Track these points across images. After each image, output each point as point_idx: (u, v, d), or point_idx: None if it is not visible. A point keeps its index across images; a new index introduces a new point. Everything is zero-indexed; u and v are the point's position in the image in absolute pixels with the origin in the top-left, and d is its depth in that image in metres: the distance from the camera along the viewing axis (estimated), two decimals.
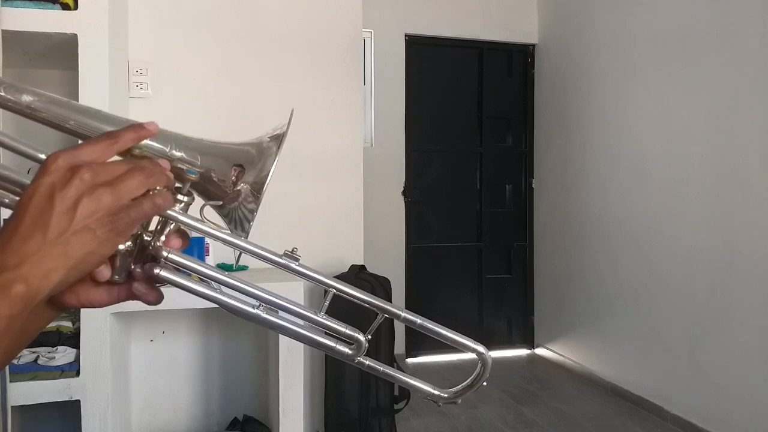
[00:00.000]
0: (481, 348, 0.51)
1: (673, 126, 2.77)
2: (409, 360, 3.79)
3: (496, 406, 2.95)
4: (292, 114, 0.50)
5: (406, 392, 2.34)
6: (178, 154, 0.46)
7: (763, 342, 2.28)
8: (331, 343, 0.48)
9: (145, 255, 0.45)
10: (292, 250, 0.47)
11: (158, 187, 0.43)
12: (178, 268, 0.44)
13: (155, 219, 0.44)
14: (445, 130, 3.98)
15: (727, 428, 2.43)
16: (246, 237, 0.46)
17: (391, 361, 2.34)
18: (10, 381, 1.68)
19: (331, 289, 0.48)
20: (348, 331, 0.49)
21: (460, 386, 0.52)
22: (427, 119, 3.90)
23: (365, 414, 2.29)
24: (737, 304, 2.40)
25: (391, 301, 2.54)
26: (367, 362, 0.50)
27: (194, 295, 0.45)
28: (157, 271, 0.44)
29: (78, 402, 1.81)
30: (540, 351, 3.98)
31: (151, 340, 2.25)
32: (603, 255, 3.29)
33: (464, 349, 0.52)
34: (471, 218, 4.03)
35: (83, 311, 1.79)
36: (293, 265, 0.47)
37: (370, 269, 2.48)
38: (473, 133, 4.03)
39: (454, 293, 3.99)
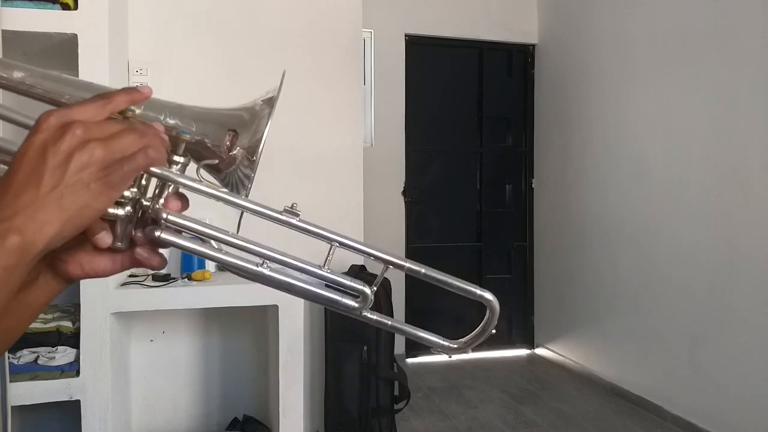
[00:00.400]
0: (488, 294, 0.51)
1: (673, 126, 2.77)
2: (409, 360, 3.79)
3: (496, 406, 2.95)
4: (283, 76, 0.50)
5: (406, 392, 2.34)
6: (171, 121, 0.46)
7: (763, 342, 2.28)
8: (337, 297, 0.48)
9: (145, 219, 0.44)
10: (292, 205, 0.47)
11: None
12: (179, 230, 0.44)
13: (153, 182, 0.44)
14: (445, 130, 3.98)
15: (727, 428, 2.43)
16: (247, 195, 0.46)
17: (391, 361, 2.34)
18: (10, 381, 1.68)
19: (334, 243, 0.48)
20: (353, 284, 0.48)
21: (469, 336, 0.51)
22: (427, 119, 3.90)
23: (365, 414, 2.29)
24: (737, 304, 2.40)
25: (391, 302, 2.53)
26: (374, 317, 0.50)
27: (198, 256, 0.45)
28: (158, 233, 0.44)
29: (78, 402, 1.81)
30: (540, 351, 3.98)
31: (151, 340, 2.25)
32: (603, 255, 3.29)
33: (471, 296, 0.51)
34: (471, 218, 4.03)
35: (83, 311, 1.79)
36: (294, 221, 0.46)
37: (370, 269, 2.48)
38: (473, 133, 4.03)
39: (454, 293, 3.96)
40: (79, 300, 1.79)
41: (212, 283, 1.96)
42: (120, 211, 0.43)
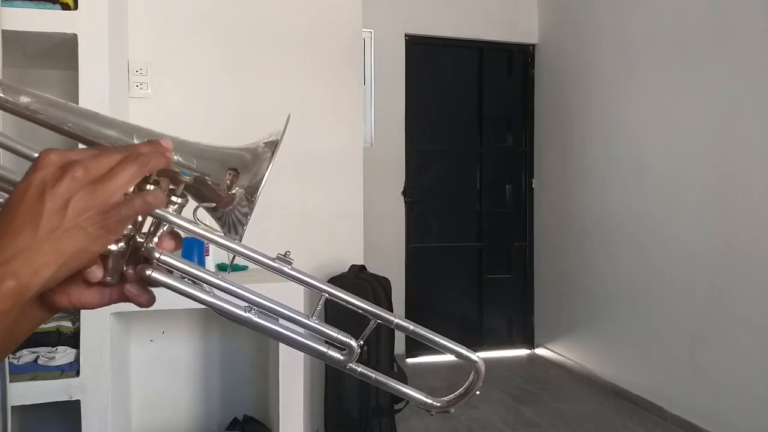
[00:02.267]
0: (474, 356, 0.51)
1: (673, 126, 2.77)
2: (409, 360, 3.79)
3: (496, 406, 2.95)
4: (288, 120, 0.50)
5: None
6: (174, 157, 0.45)
7: (763, 342, 2.28)
8: (323, 349, 0.48)
9: (138, 256, 0.44)
10: (285, 253, 0.46)
11: (150, 187, 0.43)
12: (171, 270, 0.44)
13: (149, 220, 0.44)
14: (445, 130, 3.98)
15: (727, 428, 2.43)
16: (239, 240, 0.46)
17: (391, 361, 2.34)
18: (10, 381, 1.68)
19: (323, 293, 0.48)
20: (340, 337, 0.48)
21: (453, 395, 0.51)
22: (427, 119, 3.90)
23: (365, 414, 2.29)
24: (737, 304, 2.40)
25: (391, 301, 2.53)
26: (359, 369, 0.50)
27: (186, 297, 0.45)
28: (149, 272, 0.43)
29: (78, 402, 1.80)
30: (540, 351, 3.98)
31: (151, 340, 2.25)
32: (603, 255, 3.29)
33: (457, 356, 0.51)
34: (471, 218, 4.03)
35: (83, 311, 1.79)
36: (286, 269, 0.46)
37: (370, 269, 2.48)
38: (473, 133, 4.03)
39: (454, 293, 3.99)
40: None
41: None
42: (113, 247, 0.43)
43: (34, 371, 1.79)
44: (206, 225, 0.45)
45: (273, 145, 0.48)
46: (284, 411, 1.95)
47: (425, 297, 3.89)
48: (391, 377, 0.51)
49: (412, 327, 0.50)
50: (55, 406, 1.86)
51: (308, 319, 0.48)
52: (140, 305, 0.45)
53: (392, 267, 3.65)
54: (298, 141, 2.42)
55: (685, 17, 2.70)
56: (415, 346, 3.84)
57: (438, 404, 0.51)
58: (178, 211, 0.45)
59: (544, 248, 3.97)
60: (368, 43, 3.71)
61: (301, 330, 0.48)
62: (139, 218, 0.44)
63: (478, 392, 0.49)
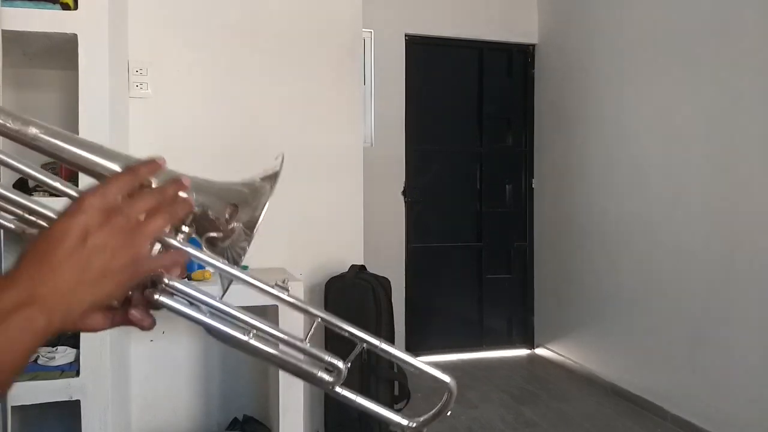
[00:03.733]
0: (447, 378, 0.53)
1: (673, 126, 2.77)
2: None
3: (496, 406, 2.95)
4: (283, 159, 0.53)
5: (406, 392, 2.34)
6: (180, 194, 0.48)
7: (763, 342, 2.28)
8: (314, 371, 0.50)
9: (144, 281, 0.46)
10: (283, 281, 0.50)
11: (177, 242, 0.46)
12: (174, 294, 0.46)
13: (156, 246, 0.46)
14: (445, 130, 3.98)
15: (728, 428, 2.43)
16: (239, 264, 0.49)
17: (391, 362, 2.34)
18: None
19: (317, 318, 0.51)
20: (329, 359, 0.51)
21: (426, 416, 0.53)
22: (427, 119, 3.90)
23: (365, 414, 2.29)
24: (737, 304, 2.40)
25: (391, 302, 2.52)
26: (344, 392, 0.52)
27: (190, 320, 0.47)
28: (156, 296, 0.45)
29: (78, 402, 1.80)
30: (540, 351, 3.98)
31: (151, 340, 2.24)
32: (603, 255, 3.29)
33: (432, 379, 0.53)
34: (471, 218, 4.03)
35: None
36: (283, 296, 0.49)
37: (370, 269, 2.48)
38: (473, 133, 4.02)
39: (454, 293, 3.98)
40: None
41: (212, 283, 1.96)
42: None
43: (34, 371, 1.79)
44: (211, 253, 0.48)
45: (271, 180, 0.51)
46: (284, 411, 1.95)
47: (425, 297, 3.89)
48: (373, 401, 0.52)
49: (394, 351, 0.53)
50: (55, 406, 1.86)
51: (302, 343, 0.50)
52: (143, 329, 0.47)
53: (392, 267, 3.65)
54: (299, 141, 2.42)
55: (685, 17, 2.69)
56: (415, 346, 3.84)
57: (413, 425, 0.53)
58: (186, 240, 0.47)
59: (544, 248, 3.97)
60: (368, 43, 3.70)
61: (292, 353, 0.51)
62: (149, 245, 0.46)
63: (449, 413, 0.52)
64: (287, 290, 0.49)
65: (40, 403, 1.81)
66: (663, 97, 2.84)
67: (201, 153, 2.31)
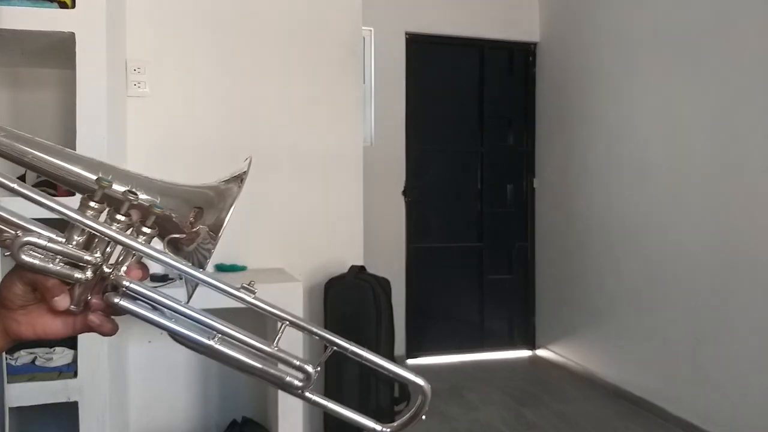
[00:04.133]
0: (420, 381, 0.51)
1: (675, 125, 2.76)
2: (410, 361, 3.78)
3: (497, 408, 2.94)
4: (250, 162, 0.51)
5: (406, 393, 2.32)
6: (142, 196, 0.46)
7: (765, 343, 2.26)
8: (281, 374, 0.49)
9: (104, 285, 0.45)
10: (249, 283, 0.48)
11: (121, 218, 0.45)
12: (136, 298, 0.45)
13: (117, 249, 0.45)
14: (446, 130, 3.96)
15: (730, 430, 2.42)
16: (205, 267, 0.47)
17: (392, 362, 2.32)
18: (8, 382, 1.66)
19: (285, 321, 0.49)
20: (298, 363, 0.49)
21: (400, 420, 0.51)
22: (428, 119, 3.89)
23: (365, 415, 2.28)
24: (740, 305, 2.38)
25: (390, 302, 2.50)
26: (314, 398, 0.51)
27: (152, 324, 0.46)
28: (117, 300, 0.44)
29: (76, 403, 1.79)
30: (541, 352, 3.97)
31: (149, 342, 2.23)
32: (605, 255, 3.27)
33: (404, 380, 0.52)
34: (472, 218, 4.02)
35: None
36: (249, 298, 0.47)
37: (370, 269, 2.46)
38: (474, 133, 4.01)
39: (454, 294, 3.97)
40: None
41: (177, 286, 1.94)
42: (81, 276, 0.44)
43: (32, 372, 1.79)
44: (175, 255, 0.47)
45: (237, 181, 0.49)
46: (283, 413, 1.94)
47: (425, 297, 3.87)
48: (343, 407, 0.52)
49: (365, 354, 0.51)
50: (53, 408, 1.85)
51: (270, 347, 0.49)
52: (104, 334, 0.46)
53: (392, 267, 3.63)
54: (298, 140, 2.41)
55: (687, 15, 2.68)
56: (416, 347, 3.83)
57: (387, 430, 0.51)
58: (148, 242, 0.46)
59: (545, 248, 3.96)
60: (368, 42, 3.69)
61: (259, 357, 0.49)
62: (108, 248, 0.45)
63: (424, 417, 0.50)
64: (254, 292, 0.48)
65: (37, 405, 1.80)
66: (665, 95, 2.82)
67: (199, 152, 2.29)
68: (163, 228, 0.48)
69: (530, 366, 3.76)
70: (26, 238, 0.42)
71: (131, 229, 0.46)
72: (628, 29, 3.08)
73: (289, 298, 1.95)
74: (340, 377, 2.30)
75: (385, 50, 3.74)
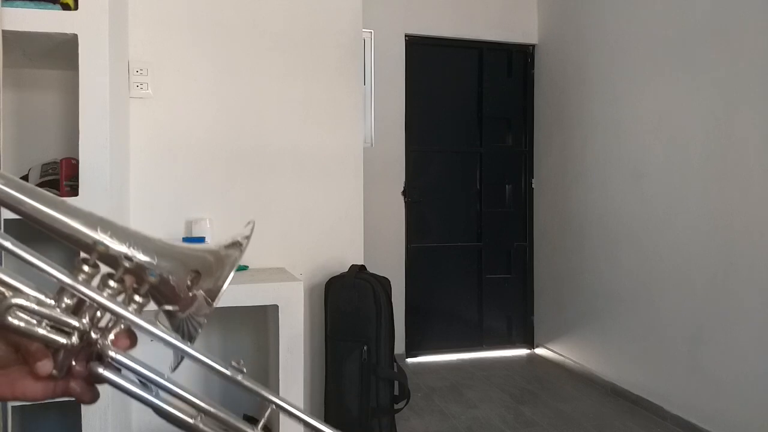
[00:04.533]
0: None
1: (673, 125, 2.77)
2: (409, 360, 3.79)
3: (496, 406, 2.95)
4: (252, 227, 0.49)
5: (406, 392, 2.34)
6: (141, 257, 0.45)
7: (763, 341, 2.28)
8: None
9: (90, 352, 0.43)
10: (238, 362, 0.47)
11: (113, 284, 0.44)
12: (120, 368, 0.43)
13: (107, 316, 0.43)
14: (445, 130, 3.98)
15: (728, 428, 2.44)
16: (192, 343, 0.46)
17: (391, 360, 2.34)
18: None
19: (272, 405, 0.49)
20: None
21: None
22: (427, 119, 3.91)
23: (365, 414, 2.30)
24: (737, 303, 2.40)
25: (391, 302, 2.51)
26: None
27: (134, 399, 0.45)
28: (100, 370, 0.42)
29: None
30: (540, 351, 3.99)
31: (152, 340, 2.24)
32: (603, 255, 3.29)
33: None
34: (471, 218, 4.04)
35: None
36: (238, 378, 0.47)
37: (370, 269, 2.48)
38: (473, 133, 4.03)
39: (454, 293, 3.99)
40: None
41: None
42: (65, 341, 0.42)
43: None
44: (166, 328, 0.45)
45: (237, 247, 0.47)
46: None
47: (425, 297, 3.89)
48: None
49: (301, 415, 0.51)
50: (56, 406, 1.86)
51: (253, 430, 0.48)
52: (83, 402, 0.44)
53: (392, 267, 3.66)
54: (298, 141, 2.42)
55: (684, 17, 2.70)
56: (415, 346, 3.85)
57: None
58: (139, 311, 0.44)
59: (543, 248, 3.98)
60: (368, 43, 3.71)
61: None
62: (97, 314, 0.43)
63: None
64: (243, 372, 0.47)
65: (40, 403, 1.81)
66: (663, 96, 2.84)
67: (201, 153, 2.31)
68: (159, 291, 0.46)
69: (529, 364, 3.78)
70: (14, 300, 0.41)
71: (123, 295, 0.44)
72: (626, 31, 3.10)
73: (290, 297, 1.97)
74: (341, 376, 2.31)
75: (385, 52, 3.76)
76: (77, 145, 1.72)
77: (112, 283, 0.43)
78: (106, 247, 0.43)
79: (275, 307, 1.98)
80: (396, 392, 2.37)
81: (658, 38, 2.87)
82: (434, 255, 3.93)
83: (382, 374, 2.29)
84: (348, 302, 2.31)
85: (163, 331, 0.44)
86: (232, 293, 1.94)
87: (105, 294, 0.42)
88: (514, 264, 4.10)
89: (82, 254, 0.44)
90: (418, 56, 3.86)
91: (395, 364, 2.37)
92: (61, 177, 1.83)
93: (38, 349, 0.42)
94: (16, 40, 1.73)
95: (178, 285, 0.46)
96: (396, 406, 2.36)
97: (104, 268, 0.45)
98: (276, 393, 0.49)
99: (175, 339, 0.44)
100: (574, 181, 3.57)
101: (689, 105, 2.67)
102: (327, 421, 2.36)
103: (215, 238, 2.24)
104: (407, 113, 3.83)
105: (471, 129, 4.02)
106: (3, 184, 0.43)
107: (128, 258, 0.44)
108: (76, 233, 0.45)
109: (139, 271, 0.45)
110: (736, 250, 2.41)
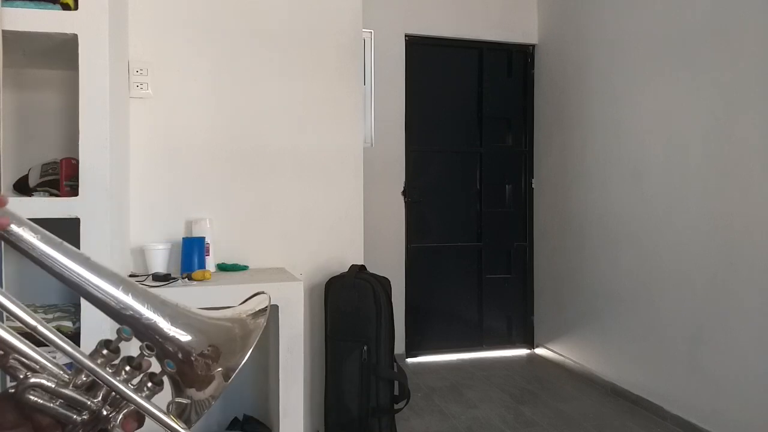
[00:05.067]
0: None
1: (672, 126, 2.78)
2: (409, 360, 3.80)
3: (496, 406, 2.95)
4: (270, 304, 0.48)
5: (406, 392, 2.34)
6: (170, 332, 0.45)
7: (763, 342, 2.28)
8: None
9: (97, 428, 0.44)
10: None
11: (127, 368, 0.43)
12: None
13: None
14: (445, 130, 3.98)
15: (727, 428, 2.44)
16: (193, 425, 0.45)
17: (391, 360, 2.35)
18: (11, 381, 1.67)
19: None
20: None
21: None
22: (427, 119, 3.91)
23: (365, 414, 2.30)
24: (737, 303, 2.40)
25: (391, 301, 2.51)
26: None
27: None
28: None
29: None
30: (540, 351, 3.99)
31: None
32: (603, 255, 3.29)
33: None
34: (471, 218, 4.04)
35: (83, 311, 1.79)
36: None
37: (370, 269, 2.48)
38: (473, 133, 4.03)
39: (454, 293, 3.99)
40: (79, 300, 1.79)
41: (212, 283, 1.96)
42: (78, 418, 0.43)
43: None
44: (176, 419, 0.44)
45: (260, 316, 0.46)
46: (284, 411, 1.95)
47: (425, 297, 3.89)
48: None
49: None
50: None
51: None
52: None
53: (392, 267, 3.66)
54: (298, 141, 2.42)
55: (684, 17, 2.70)
56: (415, 346, 3.85)
57: None
58: (150, 396, 0.44)
59: (543, 248, 3.98)
60: (368, 43, 3.71)
61: None
62: (112, 393, 0.43)
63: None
64: None
65: None
66: (663, 96, 2.84)
67: (201, 153, 2.31)
68: (179, 373, 0.45)
69: (529, 364, 3.78)
70: (34, 380, 0.42)
71: (139, 378, 0.44)
72: (626, 31, 3.10)
73: (291, 297, 1.97)
74: (340, 376, 2.31)
75: (385, 52, 3.76)
76: (77, 145, 1.72)
77: (128, 368, 0.43)
78: (129, 337, 0.44)
79: (275, 307, 1.98)
80: (396, 392, 2.37)
81: (658, 38, 2.87)
82: (434, 255, 3.93)
83: (382, 374, 2.29)
84: (348, 302, 2.31)
85: (173, 420, 0.44)
86: (232, 293, 1.94)
87: (120, 378, 0.43)
88: (514, 264, 4.10)
89: (105, 338, 0.44)
90: (418, 56, 3.86)
91: (395, 364, 2.37)
92: (61, 177, 1.84)
93: (50, 424, 0.42)
94: (16, 40, 1.73)
95: (198, 363, 0.45)
96: (396, 406, 2.36)
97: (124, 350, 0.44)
98: None
99: (181, 426, 0.44)
100: (574, 181, 3.57)
101: (689, 105, 2.67)
102: (327, 420, 2.37)
103: (215, 238, 2.24)
104: (407, 113, 3.83)
105: (471, 129, 4.03)
106: (40, 239, 0.44)
107: (149, 349, 0.44)
108: (100, 291, 0.46)
109: (157, 362, 0.45)
110: (736, 250, 2.41)
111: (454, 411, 2.88)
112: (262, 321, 0.46)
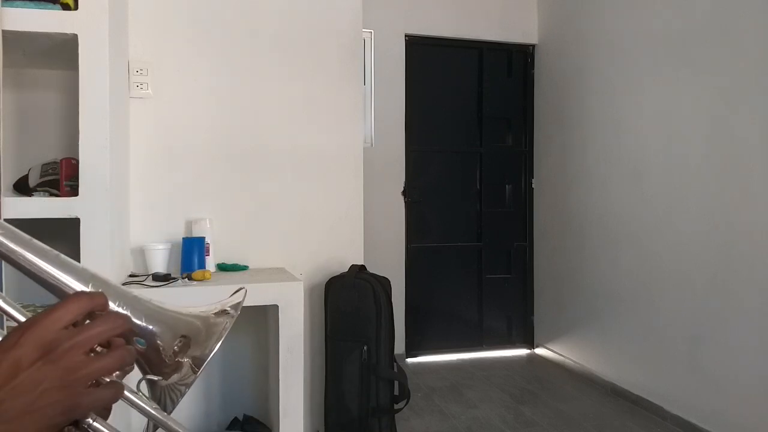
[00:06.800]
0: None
1: (672, 125, 2.78)
2: (409, 360, 3.80)
3: (496, 406, 2.95)
4: (245, 294, 0.49)
5: (406, 392, 2.34)
6: (137, 322, 0.45)
7: (763, 341, 2.28)
8: None
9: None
10: None
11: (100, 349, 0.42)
12: None
13: None
14: (445, 130, 3.98)
15: (727, 428, 2.44)
16: (171, 411, 0.46)
17: (391, 360, 2.35)
18: None
19: None
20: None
21: None
22: (427, 119, 3.91)
23: (365, 414, 2.30)
24: (737, 303, 2.40)
25: (391, 301, 2.51)
26: None
27: None
28: None
29: None
30: (540, 351, 3.99)
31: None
32: (603, 254, 3.29)
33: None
34: (471, 218, 4.04)
35: None
36: None
37: (370, 269, 2.48)
38: (473, 133, 4.03)
39: (454, 293, 3.99)
40: None
41: (212, 283, 1.96)
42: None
43: None
44: (147, 397, 0.45)
45: (227, 316, 0.46)
46: (284, 411, 1.95)
47: (425, 297, 3.89)
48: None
49: None
50: None
51: None
52: None
53: (392, 267, 3.66)
54: (298, 141, 2.42)
55: (684, 17, 2.70)
56: (415, 345, 3.85)
57: None
58: (121, 377, 0.44)
59: (543, 248, 3.98)
60: (368, 44, 3.71)
61: None
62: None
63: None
64: None
65: None
66: (662, 96, 2.84)
67: (201, 153, 2.31)
68: (145, 357, 0.45)
69: (529, 364, 3.78)
70: None
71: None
72: (626, 31, 3.10)
73: (290, 297, 1.97)
74: (340, 376, 2.31)
75: (385, 52, 3.76)
76: (77, 145, 1.72)
77: (98, 348, 0.43)
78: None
79: (275, 307, 1.98)
80: (396, 392, 2.37)
81: (658, 38, 2.87)
82: (434, 255, 3.93)
83: (382, 374, 2.29)
84: (348, 302, 2.31)
85: (142, 401, 0.44)
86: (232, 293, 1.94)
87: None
88: (514, 264, 4.10)
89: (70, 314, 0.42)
90: (418, 56, 3.86)
91: (395, 364, 2.37)
92: (61, 177, 1.84)
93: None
94: (16, 40, 1.73)
95: (165, 351, 0.45)
96: (396, 406, 2.36)
97: None
98: None
99: (154, 409, 0.44)
100: (574, 181, 3.57)
101: (689, 104, 2.67)
102: (327, 420, 2.37)
103: (215, 237, 2.24)
104: (407, 113, 3.83)
105: (471, 129, 4.03)
106: (2, 234, 0.43)
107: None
108: (67, 288, 0.44)
109: (128, 336, 0.44)
110: (736, 250, 2.41)
111: (454, 411, 2.88)
112: (233, 313, 0.46)
